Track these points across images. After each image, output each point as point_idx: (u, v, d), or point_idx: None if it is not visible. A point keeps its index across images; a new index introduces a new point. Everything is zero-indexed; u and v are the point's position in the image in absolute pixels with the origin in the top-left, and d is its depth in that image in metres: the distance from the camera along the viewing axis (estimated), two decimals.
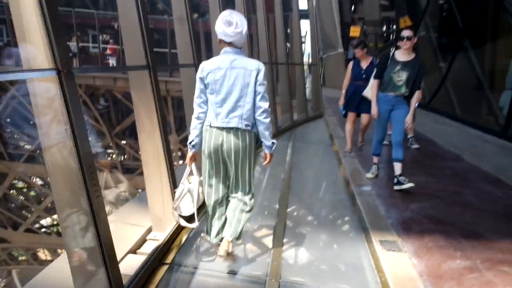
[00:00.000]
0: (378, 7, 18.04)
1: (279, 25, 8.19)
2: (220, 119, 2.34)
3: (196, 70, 2.47)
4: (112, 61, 16.62)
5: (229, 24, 2.27)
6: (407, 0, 13.28)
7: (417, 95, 3.88)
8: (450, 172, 4.70)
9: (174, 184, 2.89)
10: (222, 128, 2.35)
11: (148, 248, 2.69)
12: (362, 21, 18.94)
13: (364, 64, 4.97)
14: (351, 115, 5.25)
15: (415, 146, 5.84)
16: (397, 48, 3.92)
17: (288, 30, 10.37)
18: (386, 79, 3.87)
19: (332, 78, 15.85)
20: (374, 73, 4.06)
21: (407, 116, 3.87)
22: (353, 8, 19.62)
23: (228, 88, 2.31)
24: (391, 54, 3.90)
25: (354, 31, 18.05)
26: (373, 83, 4.04)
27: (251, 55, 5.90)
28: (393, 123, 4.00)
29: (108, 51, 16.59)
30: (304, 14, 10.60)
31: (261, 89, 2.33)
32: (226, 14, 2.31)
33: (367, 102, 4.42)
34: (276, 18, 8.36)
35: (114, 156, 19.08)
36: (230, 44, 2.34)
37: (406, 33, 3.77)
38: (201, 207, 2.66)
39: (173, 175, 2.94)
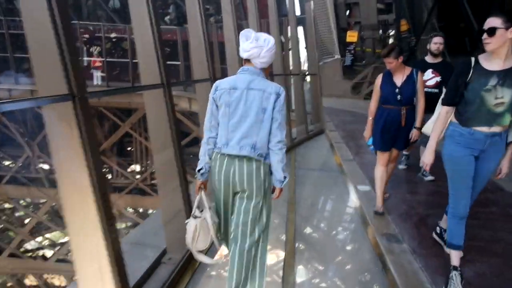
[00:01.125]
0: (375, 11, 17.28)
1: (274, 32, 7.29)
2: (231, 145, 2.12)
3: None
4: (96, 75, 15.71)
5: (246, 38, 2.13)
6: (408, 2, 12.50)
7: None
8: None
9: (189, 204, 2.79)
10: (233, 157, 2.12)
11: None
12: (358, 26, 18.18)
13: (398, 79, 3.37)
14: (382, 156, 3.60)
15: (429, 178, 4.55)
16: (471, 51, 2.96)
17: (282, 38, 9.53)
18: (472, 103, 2.28)
19: (329, 86, 15.00)
20: (444, 94, 2.45)
21: (503, 162, 2.43)
22: (348, 12, 18.85)
23: (243, 111, 2.11)
24: (472, 61, 2.29)
25: (351, 36, 17.29)
26: (440, 112, 2.43)
27: (239, 65, 4.96)
28: (477, 176, 2.45)
29: (92, 64, 15.66)
30: (298, 19, 9.78)
31: (279, 116, 2.12)
32: (246, 30, 2.17)
33: (405, 135, 3.41)
34: (271, 23, 7.49)
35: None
36: (248, 62, 2.17)
37: (492, 21, 2.16)
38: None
39: (188, 193, 2.81)
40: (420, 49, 11.35)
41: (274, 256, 3.14)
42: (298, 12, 9.88)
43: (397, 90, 3.35)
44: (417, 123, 3.39)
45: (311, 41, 9.49)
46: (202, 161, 2.23)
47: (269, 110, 2.10)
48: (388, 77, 3.42)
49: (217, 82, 2.20)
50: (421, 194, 4.28)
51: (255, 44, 2.09)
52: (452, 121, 2.43)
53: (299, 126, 7.83)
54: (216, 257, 2.36)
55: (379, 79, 3.48)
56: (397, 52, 3.28)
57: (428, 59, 4.21)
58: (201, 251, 2.29)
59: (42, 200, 16.42)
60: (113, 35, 18.23)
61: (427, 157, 2.46)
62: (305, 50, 10.35)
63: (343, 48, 17.51)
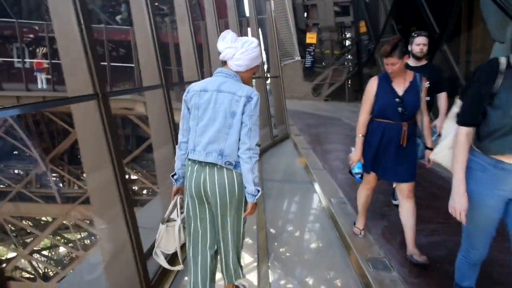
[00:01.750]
0: (332, 13, 17.36)
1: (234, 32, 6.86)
2: (198, 151, 2.02)
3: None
4: (41, 77, 14.45)
5: (222, 38, 2.03)
6: (366, 4, 12.57)
7: None
8: None
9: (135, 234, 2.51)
10: (203, 164, 2.02)
11: None
12: (317, 27, 18.20)
13: (399, 86, 2.63)
14: (370, 178, 2.95)
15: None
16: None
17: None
18: (500, 123, 1.67)
19: (290, 88, 14.81)
20: (460, 110, 1.83)
21: None
22: (306, 14, 18.84)
23: (211, 115, 1.99)
24: (503, 62, 1.67)
25: (311, 38, 17.28)
26: (457, 136, 1.80)
27: (198, 67, 4.46)
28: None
29: (35, 66, 14.37)
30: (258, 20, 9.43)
31: (248, 121, 1.96)
32: (225, 31, 2.07)
33: (409, 160, 2.74)
34: (230, 24, 7.05)
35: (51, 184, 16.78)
36: (226, 64, 2.07)
37: None
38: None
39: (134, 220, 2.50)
40: (379, 52, 11.41)
41: None
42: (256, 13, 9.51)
43: (397, 100, 2.60)
44: (429, 143, 2.73)
45: (272, 42, 9.16)
46: (176, 167, 2.19)
47: (238, 115, 1.95)
48: (385, 83, 2.66)
49: (191, 84, 2.13)
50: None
51: (229, 45, 1.99)
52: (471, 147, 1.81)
53: (263, 129, 7.44)
54: (177, 267, 2.20)
55: (373, 85, 2.71)
56: (402, 49, 2.51)
57: (411, 62, 3.46)
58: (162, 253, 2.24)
59: None
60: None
61: (459, 202, 1.77)
62: (264, 52, 10.04)
63: (302, 49, 17.45)
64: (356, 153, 2.83)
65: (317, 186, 4.75)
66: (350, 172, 2.98)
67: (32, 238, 15.51)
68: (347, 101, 16.01)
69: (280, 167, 6.04)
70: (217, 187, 1.99)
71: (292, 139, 7.78)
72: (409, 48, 3.40)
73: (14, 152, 17.11)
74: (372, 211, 3.84)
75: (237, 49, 1.98)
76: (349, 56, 17.62)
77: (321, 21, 17.78)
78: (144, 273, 2.29)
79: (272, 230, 3.60)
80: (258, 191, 1.97)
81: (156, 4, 18.07)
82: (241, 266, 2.25)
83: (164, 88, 2.94)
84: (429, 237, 3.28)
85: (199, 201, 2.08)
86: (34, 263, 16.60)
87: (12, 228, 15.47)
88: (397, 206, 3.86)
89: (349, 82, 16.43)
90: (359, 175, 2.90)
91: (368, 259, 2.87)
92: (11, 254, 15.62)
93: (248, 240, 3.36)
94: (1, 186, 15.66)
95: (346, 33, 20.02)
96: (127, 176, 17.21)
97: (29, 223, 16.70)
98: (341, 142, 7.85)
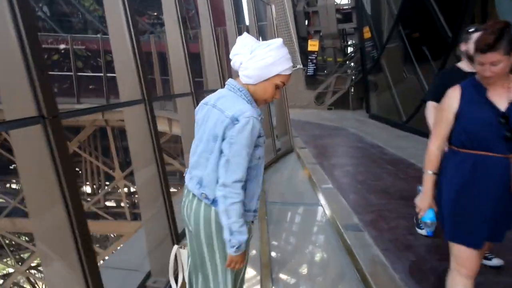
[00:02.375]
0: (334, 19, 16.98)
1: (232, 41, 6.40)
2: (187, 172, 1.72)
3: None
4: None
5: (236, 43, 1.60)
6: (371, 9, 12.15)
7: None
8: None
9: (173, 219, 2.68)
10: (188, 190, 1.67)
11: None
12: (318, 35, 17.81)
13: (501, 98, 1.71)
14: (468, 256, 1.78)
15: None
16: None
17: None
18: None
19: (292, 96, 14.36)
20: None
21: None
22: (307, 21, 18.47)
23: (201, 133, 1.63)
24: None
25: (313, 45, 16.89)
26: None
27: (190, 78, 3.96)
28: None
29: None
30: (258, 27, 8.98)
31: (227, 150, 1.49)
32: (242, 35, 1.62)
33: None
34: (229, 32, 6.60)
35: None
36: (237, 75, 1.63)
37: None
38: None
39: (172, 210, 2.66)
40: (387, 58, 10.95)
41: None
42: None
43: (501, 119, 1.67)
44: None
45: None
46: None
47: (219, 139, 1.54)
48: (475, 93, 1.74)
49: None
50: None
51: (237, 51, 1.56)
52: None
53: (266, 148, 6.94)
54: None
55: (453, 97, 1.78)
56: (510, 41, 1.60)
57: (464, 66, 2.68)
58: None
59: None
60: (62, 46, 16.58)
61: None
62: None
63: (304, 57, 17.04)
64: (424, 198, 1.92)
65: (327, 210, 4.23)
66: (418, 225, 2.22)
67: (29, 254, 15.06)
68: (352, 109, 15.53)
69: (285, 186, 5.51)
70: (192, 220, 1.64)
71: (297, 153, 7.28)
72: (461, 49, 2.79)
73: (11, 167, 16.73)
74: (394, 240, 3.33)
75: (245, 55, 1.54)
76: (352, 64, 17.18)
77: (323, 28, 17.39)
78: None
79: (276, 268, 3.08)
80: (235, 242, 1.50)
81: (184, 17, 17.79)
82: None
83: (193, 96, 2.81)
84: None
85: (186, 226, 1.77)
86: (31, 279, 16.10)
87: (11, 243, 15.06)
88: (424, 236, 3.34)
89: (352, 90, 15.97)
90: (431, 229, 2.19)
91: None
92: (10, 270, 15.18)
93: (251, 281, 2.85)
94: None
95: (348, 40, 19.63)
96: (126, 190, 16.70)
97: (26, 238, 16.25)
98: (350, 155, 7.34)
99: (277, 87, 1.57)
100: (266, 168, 6.19)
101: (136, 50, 2.40)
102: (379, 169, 5.82)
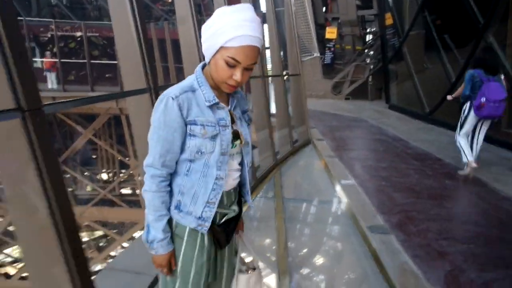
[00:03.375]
0: (354, 6, 16.35)
1: None
2: None
3: None
4: (51, 78, 14.02)
5: None
6: None
7: None
8: None
9: None
10: None
11: None
12: (337, 22, 17.22)
13: None
14: None
15: None
16: None
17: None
18: None
19: (309, 86, 13.93)
20: None
21: None
22: (325, 8, 17.88)
23: None
24: None
25: (331, 33, 16.36)
26: None
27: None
28: None
29: (44, 66, 13.94)
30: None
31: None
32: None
33: None
34: None
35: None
36: None
37: None
38: None
39: None
40: (410, 46, 10.43)
41: None
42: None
43: None
44: None
45: (291, 37, 8.33)
46: None
47: None
48: None
49: None
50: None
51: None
52: None
53: (281, 131, 6.62)
54: None
55: None
56: None
57: None
58: None
59: None
60: (78, 33, 16.48)
61: None
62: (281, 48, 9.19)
63: (322, 45, 16.53)
64: None
65: (349, 208, 3.94)
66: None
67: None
68: (370, 100, 15.02)
69: (302, 182, 5.22)
70: None
71: (314, 145, 6.96)
72: None
73: None
74: (425, 246, 3.02)
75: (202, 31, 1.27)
76: (372, 52, 16.57)
77: (342, 15, 16.78)
78: None
79: (295, 274, 2.82)
80: (151, 238, 1.30)
81: None
82: None
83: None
84: None
85: None
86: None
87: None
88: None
89: (371, 80, 15.42)
90: None
91: None
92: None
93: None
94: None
95: (368, 27, 18.96)
96: (141, 178, 16.73)
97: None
98: (371, 149, 6.98)
99: (229, 64, 1.20)
100: (283, 161, 5.91)
101: (142, 36, 2.13)
102: (403, 165, 5.47)
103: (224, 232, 1.37)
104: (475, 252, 2.94)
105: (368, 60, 16.40)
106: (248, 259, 1.54)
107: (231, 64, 1.20)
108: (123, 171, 17.75)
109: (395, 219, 3.57)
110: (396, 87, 12.16)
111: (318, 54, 15.87)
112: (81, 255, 1.49)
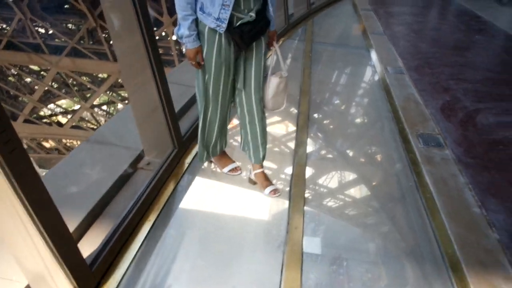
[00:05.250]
0: None
1: None
2: None
3: None
4: None
5: None
6: None
7: None
8: None
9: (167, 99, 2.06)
10: None
11: None
12: None
13: None
14: None
15: None
16: None
17: None
18: None
19: None
20: None
21: None
22: None
23: None
24: None
25: None
26: None
27: None
28: None
29: None
30: None
31: None
32: None
33: None
34: None
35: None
36: None
37: None
38: None
39: (165, 86, 2.01)
40: None
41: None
42: None
43: None
44: None
45: None
46: None
47: None
48: None
49: None
50: (469, 79, 3.47)
51: None
52: None
53: None
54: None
55: None
56: None
57: None
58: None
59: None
60: None
61: None
62: None
63: None
64: None
65: (373, 53, 4.21)
66: None
67: (90, 94, 16.48)
68: None
69: (335, 30, 5.35)
70: None
71: None
72: None
73: (65, 6, 16.90)
74: (434, 83, 3.38)
75: None
76: None
77: None
78: (175, 132, 2.19)
79: (316, 99, 3.32)
80: (180, 34, 1.67)
81: None
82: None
83: None
84: (499, 116, 2.85)
85: None
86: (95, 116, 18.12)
87: (74, 83, 16.37)
88: None
89: None
90: None
91: (419, 134, 2.58)
92: (76, 107, 16.99)
93: (290, 108, 3.13)
94: (57, 40, 15.81)
95: None
96: (174, 38, 16.88)
97: (87, 78, 17.52)
98: (410, 4, 6.74)
99: None
100: (317, 11, 5.96)
101: None
102: (440, 20, 5.42)
103: (239, 34, 1.65)
104: (478, 89, 3.28)
105: None
106: (279, 70, 1.92)
107: None
108: (155, 28, 17.52)
109: (414, 63, 3.85)
110: None
111: None
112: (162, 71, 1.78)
